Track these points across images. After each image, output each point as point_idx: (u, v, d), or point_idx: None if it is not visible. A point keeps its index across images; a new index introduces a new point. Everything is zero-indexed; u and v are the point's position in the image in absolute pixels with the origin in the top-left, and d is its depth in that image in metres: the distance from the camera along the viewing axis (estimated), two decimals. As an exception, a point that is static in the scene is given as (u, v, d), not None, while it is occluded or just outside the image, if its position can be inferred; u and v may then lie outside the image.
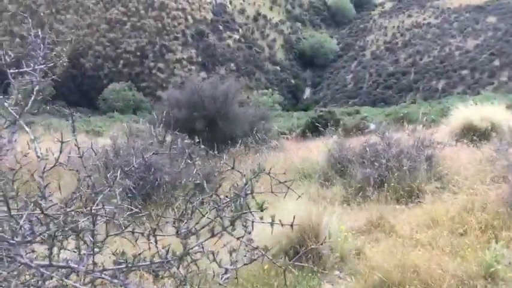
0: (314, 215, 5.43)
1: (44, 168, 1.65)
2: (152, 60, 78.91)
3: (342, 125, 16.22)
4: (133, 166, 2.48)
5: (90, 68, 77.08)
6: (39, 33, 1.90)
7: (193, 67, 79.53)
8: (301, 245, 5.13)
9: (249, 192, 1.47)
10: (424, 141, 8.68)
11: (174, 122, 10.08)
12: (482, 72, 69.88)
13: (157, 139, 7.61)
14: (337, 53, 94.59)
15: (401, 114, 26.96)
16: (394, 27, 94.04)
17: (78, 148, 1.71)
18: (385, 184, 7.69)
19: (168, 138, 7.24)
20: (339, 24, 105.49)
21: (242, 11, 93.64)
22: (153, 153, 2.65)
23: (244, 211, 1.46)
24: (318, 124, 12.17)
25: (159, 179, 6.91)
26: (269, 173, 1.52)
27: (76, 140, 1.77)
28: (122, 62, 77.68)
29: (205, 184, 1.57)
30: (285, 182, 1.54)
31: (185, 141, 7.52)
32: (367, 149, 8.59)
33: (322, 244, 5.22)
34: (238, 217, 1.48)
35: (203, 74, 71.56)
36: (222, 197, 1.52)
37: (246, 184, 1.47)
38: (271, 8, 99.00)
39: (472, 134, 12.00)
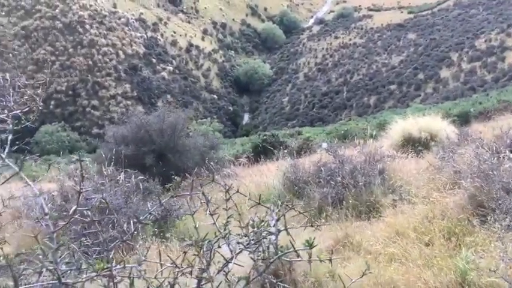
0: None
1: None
2: (85, 98, 76.71)
3: (288, 147, 16.31)
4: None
5: (19, 111, 73.79)
6: (7, 77, 1.69)
7: (129, 102, 78.08)
8: (274, 274, 5.00)
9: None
10: (375, 156, 8.86)
11: (122, 159, 9.69)
12: (408, 86, 73.75)
13: (108, 178, 7.25)
14: (271, 77, 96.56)
15: (342, 132, 27.73)
16: (323, 49, 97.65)
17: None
18: (344, 202, 7.74)
19: (121, 176, 6.92)
20: (270, 50, 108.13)
21: (174, 43, 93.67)
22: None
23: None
24: (269, 147, 12.17)
25: (116, 221, 6.55)
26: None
27: None
28: (53, 102, 74.91)
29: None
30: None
31: (138, 177, 7.24)
32: (322, 169, 8.63)
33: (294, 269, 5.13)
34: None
35: (140, 108, 70.39)
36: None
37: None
38: (203, 38, 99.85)
39: (413, 145, 12.51)
